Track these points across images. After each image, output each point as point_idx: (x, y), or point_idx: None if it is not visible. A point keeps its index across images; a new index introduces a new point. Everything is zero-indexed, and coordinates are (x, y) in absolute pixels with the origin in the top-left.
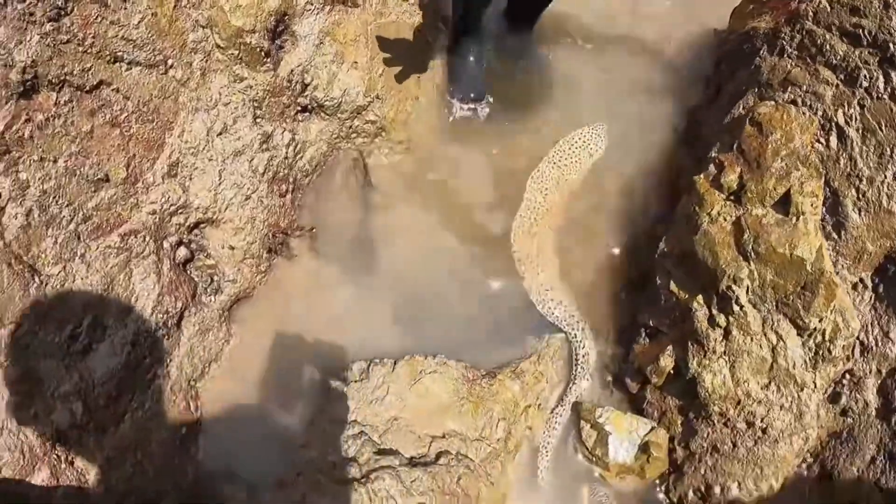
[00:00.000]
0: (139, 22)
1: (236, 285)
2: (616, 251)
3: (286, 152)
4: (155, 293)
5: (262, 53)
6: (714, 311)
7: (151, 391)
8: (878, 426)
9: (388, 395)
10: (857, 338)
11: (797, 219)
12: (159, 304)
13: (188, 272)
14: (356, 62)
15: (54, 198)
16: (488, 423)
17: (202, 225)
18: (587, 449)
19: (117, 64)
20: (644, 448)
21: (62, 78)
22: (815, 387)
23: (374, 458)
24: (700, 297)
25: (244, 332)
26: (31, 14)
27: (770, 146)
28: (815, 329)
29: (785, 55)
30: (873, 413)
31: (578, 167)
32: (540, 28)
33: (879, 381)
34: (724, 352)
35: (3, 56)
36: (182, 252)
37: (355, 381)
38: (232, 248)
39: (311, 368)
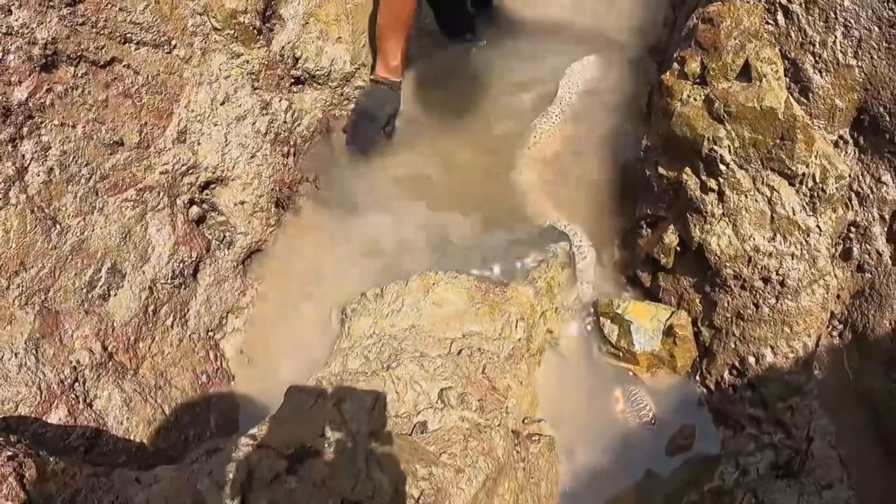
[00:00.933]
0: (144, 8)
1: (248, 238)
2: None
3: (285, 117)
4: (171, 242)
5: (255, 31)
6: (704, 178)
7: (170, 338)
8: None
9: (404, 307)
10: (852, 189)
11: (760, 81)
12: (175, 253)
13: (201, 230)
14: (340, 37)
15: (74, 158)
16: (507, 323)
17: (212, 185)
18: (612, 345)
19: (127, 44)
20: (668, 331)
21: (79, 54)
22: (821, 231)
23: (395, 354)
24: (688, 169)
25: (260, 283)
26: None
27: (722, 31)
28: (804, 175)
29: None
30: (888, 262)
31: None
32: None
33: (886, 228)
34: (723, 213)
35: (26, 34)
36: (194, 211)
37: (369, 302)
38: (242, 202)
39: (327, 311)
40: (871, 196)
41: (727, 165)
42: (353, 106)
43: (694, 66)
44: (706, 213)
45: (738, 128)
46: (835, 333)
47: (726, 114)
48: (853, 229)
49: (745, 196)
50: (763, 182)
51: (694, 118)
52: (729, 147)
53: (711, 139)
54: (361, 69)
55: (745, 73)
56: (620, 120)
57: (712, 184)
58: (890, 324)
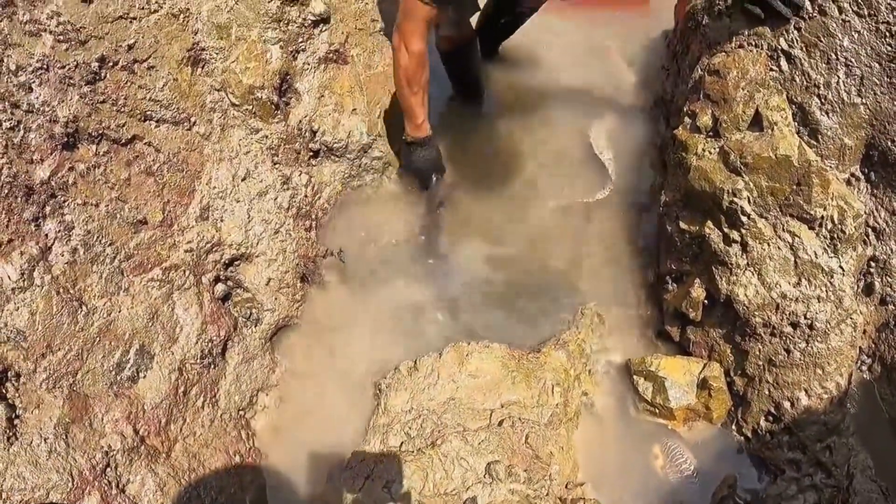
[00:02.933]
0: (163, 86)
1: (275, 314)
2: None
3: (305, 191)
4: (198, 322)
5: (273, 106)
6: (726, 230)
7: (201, 419)
8: None
9: (440, 381)
10: (868, 224)
11: (772, 129)
12: (203, 332)
13: (227, 308)
14: (355, 109)
15: (97, 237)
16: (543, 389)
17: (236, 262)
18: (647, 402)
19: (147, 122)
20: (703, 384)
21: (100, 132)
22: (844, 271)
23: (437, 430)
24: (709, 223)
25: (288, 359)
26: (70, 78)
27: (730, 83)
28: (822, 218)
29: (723, 15)
30: None
31: None
32: None
33: None
34: (748, 263)
35: (48, 112)
36: (220, 288)
37: (404, 376)
38: (268, 279)
39: (358, 385)
40: (887, 229)
41: (748, 216)
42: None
43: (706, 119)
44: (731, 264)
45: (756, 178)
46: (864, 368)
47: (743, 165)
48: (873, 264)
49: (768, 244)
50: (784, 228)
51: (711, 171)
52: (748, 198)
53: (731, 192)
54: (378, 140)
55: (757, 123)
56: (635, 176)
57: (735, 235)
58: None
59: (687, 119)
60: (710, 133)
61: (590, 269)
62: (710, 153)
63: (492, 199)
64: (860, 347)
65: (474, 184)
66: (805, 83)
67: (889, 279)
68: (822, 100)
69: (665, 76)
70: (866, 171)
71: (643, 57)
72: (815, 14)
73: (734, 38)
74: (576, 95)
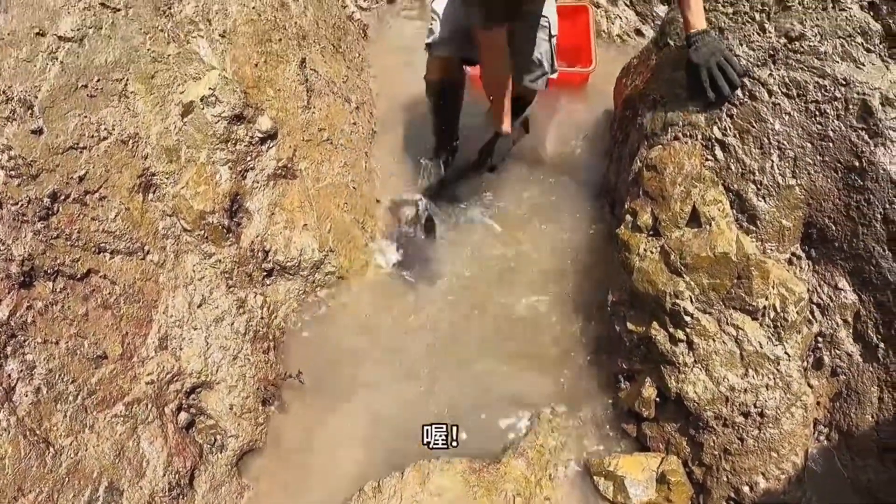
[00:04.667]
0: (115, 216)
1: (239, 440)
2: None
3: (261, 313)
4: (164, 454)
5: (224, 230)
6: (671, 330)
7: None
8: (871, 368)
9: (403, 501)
10: (812, 301)
11: (710, 225)
12: (170, 465)
13: (192, 436)
14: (306, 224)
15: (60, 375)
16: (505, 500)
17: (198, 389)
18: (609, 502)
19: (101, 254)
20: (662, 479)
21: (56, 268)
22: (790, 356)
23: None
24: (655, 324)
25: (255, 484)
26: (24, 214)
27: (667, 178)
28: (764, 307)
29: (658, 105)
30: (860, 360)
31: None
32: None
33: (851, 330)
34: (695, 361)
35: (3, 251)
36: (183, 417)
37: (369, 498)
38: (230, 406)
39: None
40: (831, 304)
41: (691, 315)
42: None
43: (646, 217)
44: (679, 363)
45: (697, 276)
46: (822, 438)
47: (683, 266)
48: (820, 339)
49: (713, 340)
50: (728, 322)
51: (654, 273)
52: (690, 297)
53: (673, 294)
54: (329, 255)
55: (695, 219)
56: (586, 273)
57: (680, 335)
58: (872, 417)
59: (629, 217)
60: (651, 232)
61: (545, 369)
62: (652, 253)
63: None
64: (815, 419)
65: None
66: (740, 170)
67: (837, 351)
68: (758, 185)
69: (608, 162)
70: (807, 248)
71: (586, 142)
72: (745, 100)
73: (669, 129)
74: (523, 186)
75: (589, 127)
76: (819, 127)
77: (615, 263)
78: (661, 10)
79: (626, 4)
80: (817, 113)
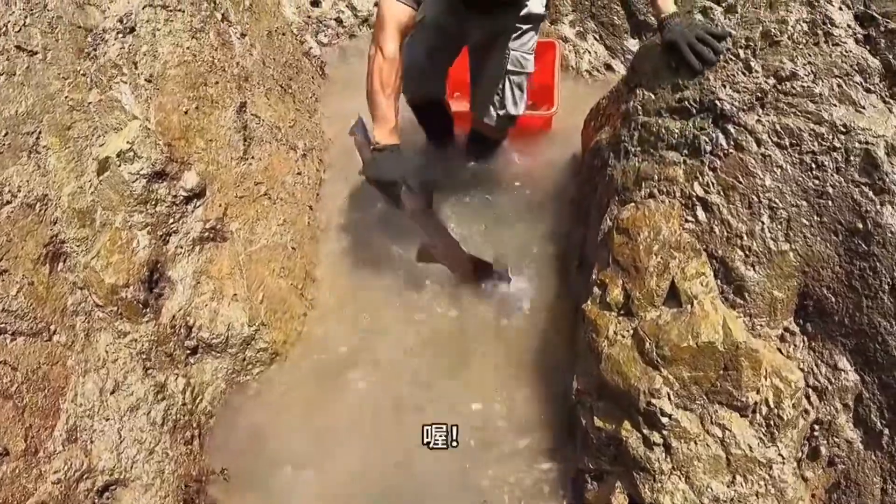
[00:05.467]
0: (17, 292)
1: None
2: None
3: (183, 399)
4: None
5: (140, 305)
6: (645, 431)
7: None
8: (873, 456)
9: None
10: (808, 384)
11: (691, 305)
12: None
13: None
14: (235, 294)
15: None
16: None
17: (111, 488)
18: None
19: (1, 336)
20: None
21: None
22: (784, 458)
23: None
24: (626, 423)
25: None
26: None
27: (641, 246)
28: (756, 403)
29: (630, 155)
30: (861, 448)
31: None
32: None
33: (851, 415)
34: (673, 468)
35: None
36: None
37: None
38: None
39: None
40: (829, 388)
41: (669, 416)
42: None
43: (616, 293)
44: (654, 470)
45: (676, 370)
46: None
47: (660, 357)
48: (817, 427)
49: (695, 443)
50: (712, 421)
51: (626, 363)
52: (669, 394)
53: (648, 392)
54: (262, 329)
55: (674, 297)
56: (553, 354)
57: (656, 437)
58: None
59: (597, 290)
60: (622, 311)
61: (503, 461)
62: (623, 337)
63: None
64: None
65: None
66: (726, 234)
67: (836, 439)
68: (746, 251)
69: (575, 214)
70: (802, 323)
71: (550, 191)
72: (730, 150)
73: (644, 184)
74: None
75: (554, 174)
76: (816, 182)
77: (581, 345)
78: (632, 44)
79: (595, 38)
80: (814, 165)
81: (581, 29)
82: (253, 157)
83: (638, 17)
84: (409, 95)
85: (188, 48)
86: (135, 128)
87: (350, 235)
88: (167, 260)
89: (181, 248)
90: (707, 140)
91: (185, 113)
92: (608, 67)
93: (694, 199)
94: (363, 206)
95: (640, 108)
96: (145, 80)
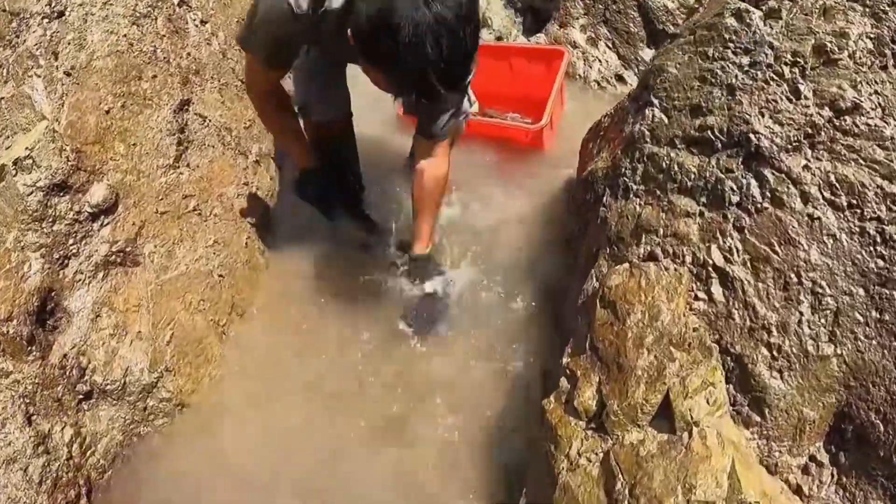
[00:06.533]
0: None
1: None
2: None
3: (68, 452)
4: None
5: (26, 342)
6: None
7: None
8: None
9: None
10: None
11: (689, 434)
12: None
13: None
14: (140, 331)
15: None
16: None
17: None
18: None
19: None
20: None
21: None
22: None
23: None
24: None
25: None
26: None
27: (630, 334)
28: None
29: (630, 195)
30: None
31: None
32: None
33: None
34: None
35: None
36: None
37: None
38: None
39: None
40: None
41: None
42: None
43: (588, 395)
44: None
45: None
46: None
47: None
48: None
49: None
50: None
51: (586, 502)
52: None
53: None
54: (165, 375)
55: (665, 418)
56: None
57: None
58: None
59: (564, 382)
60: (593, 422)
61: None
62: (589, 461)
63: None
64: None
65: None
66: (749, 323)
67: None
68: (774, 351)
69: (564, 255)
70: (833, 450)
71: (538, 225)
72: (765, 205)
73: (644, 238)
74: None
75: (545, 203)
76: (881, 264)
77: (535, 449)
78: (647, 54)
79: (607, 46)
80: (879, 239)
81: (592, 35)
82: (186, 166)
83: (656, 25)
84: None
85: (125, 36)
86: (39, 130)
87: (297, 261)
88: (63, 287)
89: (81, 273)
90: (734, 187)
91: (107, 112)
92: (619, 79)
93: (710, 268)
94: (320, 226)
95: (648, 133)
96: (64, 72)
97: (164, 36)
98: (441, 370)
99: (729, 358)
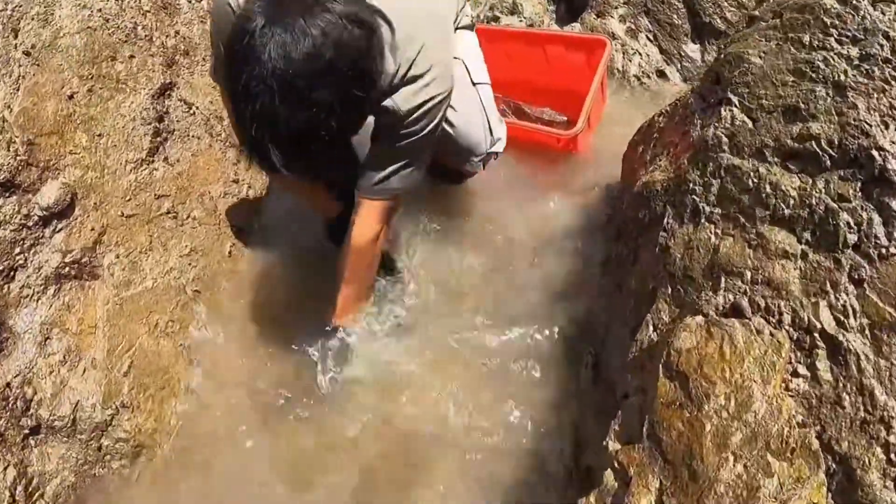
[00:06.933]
0: None
1: None
2: None
3: (11, 495)
4: None
5: None
6: None
7: None
8: None
9: None
10: None
11: None
12: None
13: None
14: (94, 358)
15: None
16: None
17: None
18: None
19: None
20: None
21: None
22: None
23: None
24: None
25: None
26: None
27: (709, 428)
28: None
29: (702, 219)
30: None
31: None
32: None
33: None
34: None
35: None
36: None
37: None
38: None
39: None
40: None
41: None
42: None
43: (645, 501)
44: None
45: None
46: None
47: None
48: None
49: None
50: None
51: None
52: None
53: None
54: (122, 412)
55: None
56: None
57: None
58: None
59: (610, 477)
60: None
61: None
62: None
63: None
64: None
65: None
66: (862, 412)
67: None
68: (893, 454)
69: (600, 278)
70: None
71: (567, 241)
72: (892, 249)
73: (724, 281)
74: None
75: (578, 213)
76: None
77: None
78: (692, 49)
79: (648, 38)
80: None
81: (633, 25)
82: (164, 160)
83: (702, 17)
84: None
85: (99, 11)
86: None
87: (290, 275)
88: (8, 304)
89: (29, 288)
90: (851, 223)
91: (70, 97)
92: (661, 74)
93: (816, 334)
94: (318, 235)
95: (725, 139)
96: (23, 52)
97: (147, 12)
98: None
99: (831, 457)
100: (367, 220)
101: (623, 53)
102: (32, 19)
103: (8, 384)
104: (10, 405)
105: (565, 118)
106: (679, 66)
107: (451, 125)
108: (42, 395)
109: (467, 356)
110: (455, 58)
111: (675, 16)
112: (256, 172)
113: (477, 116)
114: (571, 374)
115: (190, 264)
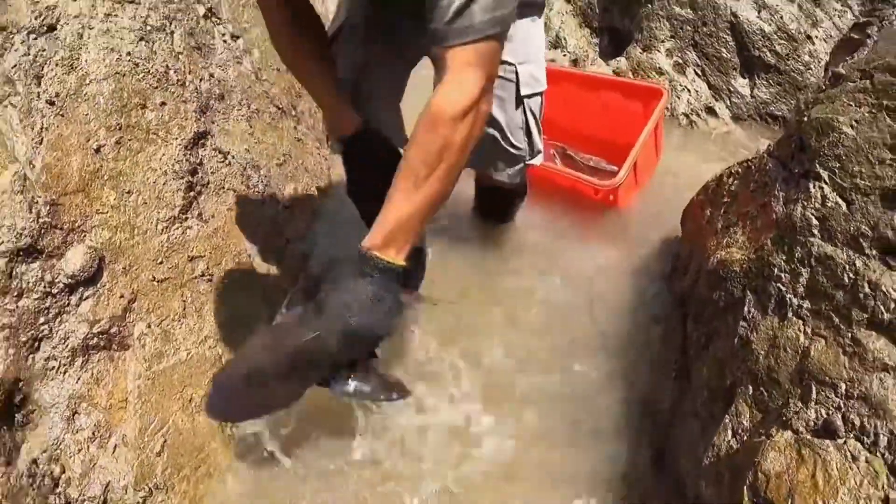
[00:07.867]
0: None
1: None
2: None
3: None
4: None
5: None
6: None
7: None
8: None
9: None
10: None
11: None
12: None
13: None
14: (125, 436)
15: None
16: None
17: None
18: None
19: None
20: None
21: None
22: None
23: None
24: None
25: None
26: None
27: None
28: None
29: (790, 312)
30: None
31: None
32: None
33: None
34: None
35: None
36: None
37: None
38: None
39: None
40: None
41: None
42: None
43: None
44: None
45: None
46: None
47: None
48: None
49: None
50: None
51: None
52: None
53: None
54: (156, 493)
55: None
56: None
57: None
58: None
59: None
60: None
61: None
62: None
63: None
64: None
65: None
66: None
67: None
68: None
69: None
70: None
71: (619, 308)
72: None
73: (817, 392)
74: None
75: (622, 286)
76: None
77: None
78: (741, 84)
79: (696, 73)
80: None
81: (680, 60)
82: (197, 216)
83: (751, 50)
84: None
85: (129, 54)
86: (7, 178)
87: None
88: (33, 377)
89: (55, 360)
90: None
91: (97, 151)
92: (710, 111)
93: None
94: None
95: (816, 222)
96: (46, 101)
97: (180, 53)
98: None
99: None
100: (456, 76)
101: (672, 90)
102: (56, 65)
103: (35, 460)
104: (36, 483)
105: (616, 168)
106: (728, 101)
107: (498, 128)
108: (70, 474)
109: None
110: (508, 63)
111: (723, 49)
112: (297, 225)
113: (521, 125)
114: (629, 455)
115: (227, 332)
